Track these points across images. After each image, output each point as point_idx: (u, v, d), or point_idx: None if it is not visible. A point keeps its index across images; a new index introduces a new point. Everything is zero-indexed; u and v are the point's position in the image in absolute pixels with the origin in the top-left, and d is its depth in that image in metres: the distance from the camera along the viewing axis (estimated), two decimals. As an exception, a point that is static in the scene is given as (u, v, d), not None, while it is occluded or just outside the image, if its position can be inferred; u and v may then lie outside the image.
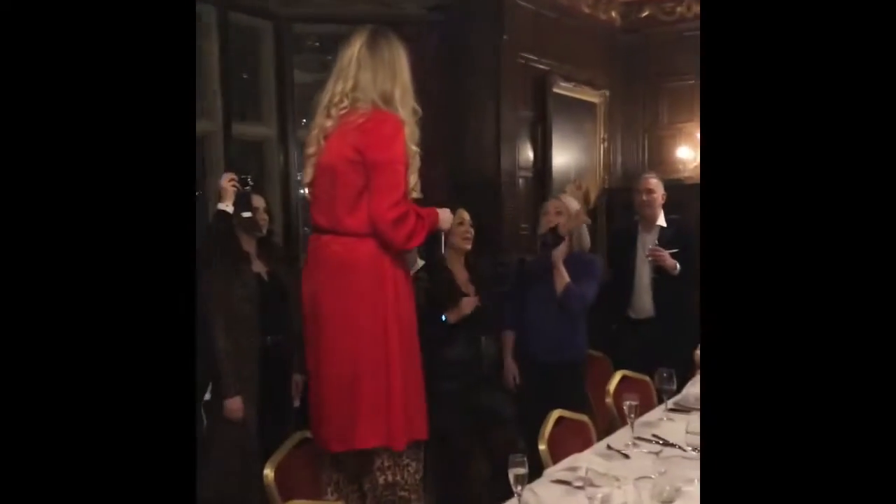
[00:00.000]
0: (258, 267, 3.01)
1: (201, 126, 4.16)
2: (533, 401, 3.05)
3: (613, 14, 5.55)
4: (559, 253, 3.30)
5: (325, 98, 2.25)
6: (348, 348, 2.17)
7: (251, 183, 2.85)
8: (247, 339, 2.90)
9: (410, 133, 2.22)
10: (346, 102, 2.20)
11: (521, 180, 4.81)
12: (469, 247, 3.28)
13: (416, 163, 2.25)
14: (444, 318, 3.12)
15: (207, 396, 2.84)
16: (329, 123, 2.22)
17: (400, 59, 2.24)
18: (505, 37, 4.55)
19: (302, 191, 2.35)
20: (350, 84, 2.20)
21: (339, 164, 2.18)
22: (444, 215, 2.37)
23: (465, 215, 3.30)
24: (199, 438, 2.75)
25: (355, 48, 2.23)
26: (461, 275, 3.27)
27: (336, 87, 2.23)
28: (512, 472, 1.93)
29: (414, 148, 2.24)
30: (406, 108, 2.22)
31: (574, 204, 3.50)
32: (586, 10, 5.26)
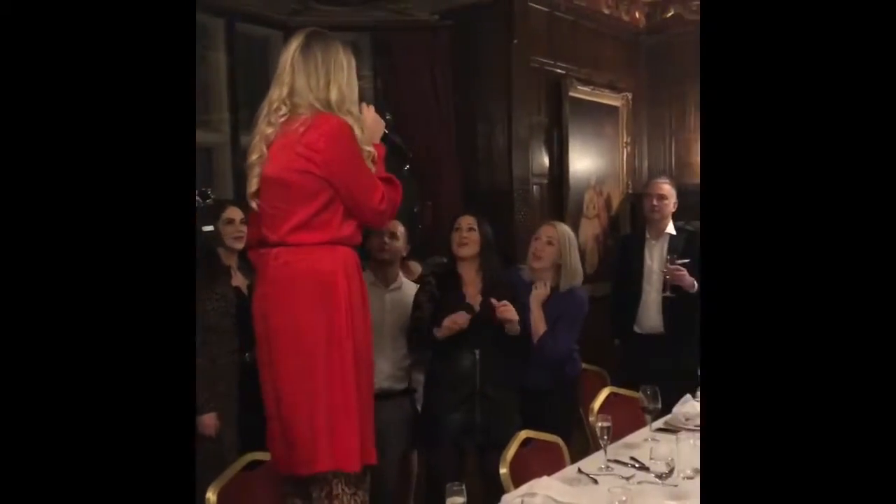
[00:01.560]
0: (238, 280, 2.98)
1: (210, 138, 4.19)
2: (526, 423, 2.89)
3: (637, 15, 5.39)
4: (537, 297, 3.11)
5: (265, 105, 2.20)
6: (299, 366, 2.11)
7: (211, 196, 2.82)
8: (224, 354, 2.87)
9: (360, 134, 2.17)
10: (284, 109, 2.15)
11: (535, 187, 4.70)
12: (463, 254, 3.09)
13: (367, 161, 2.20)
14: (434, 332, 3.01)
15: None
16: (270, 131, 2.17)
17: (336, 62, 2.17)
18: (515, 41, 4.45)
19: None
20: (286, 90, 2.15)
21: (291, 178, 2.13)
22: (372, 124, 2.28)
23: (465, 221, 3.10)
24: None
25: (290, 53, 2.18)
26: (473, 283, 3.14)
27: (273, 94, 2.18)
28: (449, 502, 1.85)
29: (368, 149, 2.19)
30: (347, 111, 2.16)
31: (569, 233, 3.27)
32: (606, 12, 5.12)
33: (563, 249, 3.17)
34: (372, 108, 2.30)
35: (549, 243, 3.18)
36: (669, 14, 5.42)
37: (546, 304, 3.09)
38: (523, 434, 2.39)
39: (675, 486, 2.10)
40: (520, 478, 2.24)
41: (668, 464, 2.12)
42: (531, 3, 4.56)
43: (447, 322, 2.89)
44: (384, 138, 2.31)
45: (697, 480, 2.12)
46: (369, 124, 2.26)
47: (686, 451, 2.23)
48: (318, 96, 2.14)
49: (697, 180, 5.15)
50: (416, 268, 3.69)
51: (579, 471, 2.34)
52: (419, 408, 3.27)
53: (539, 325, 3.05)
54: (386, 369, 3.13)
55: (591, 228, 5.05)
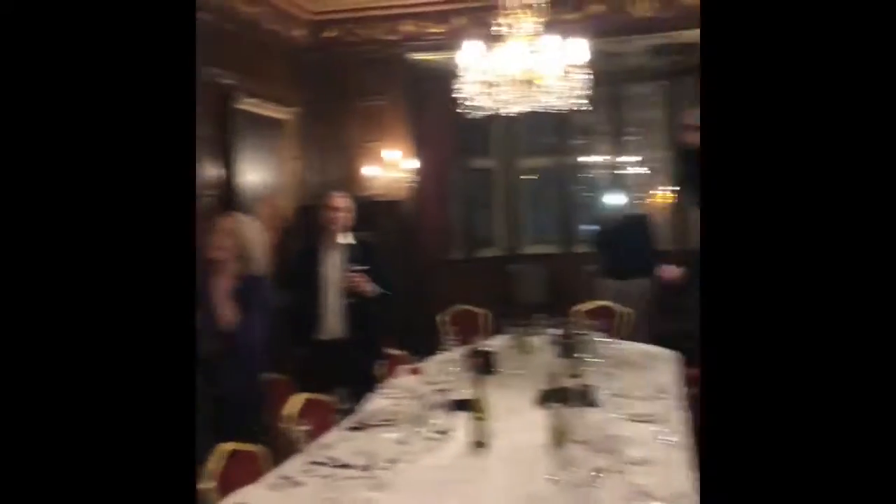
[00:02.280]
0: None
1: None
2: (226, 436, 2.77)
3: (297, 32, 5.54)
4: (222, 287, 3.04)
5: None
6: None
7: None
8: None
9: None
10: None
11: (206, 199, 4.61)
12: None
13: None
14: None
15: None
16: None
17: None
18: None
19: None
20: None
21: None
22: None
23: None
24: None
25: None
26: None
27: None
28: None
29: None
30: None
31: (249, 223, 3.29)
32: (269, 27, 5.20)
33: (243, 239, 3.14)
34: None
35: (228, 234, 3.14)
36: (330, 34, 5.66)
37: (235, 294, 3.05)
38: (228, 447, 2.36)
39: (374, 478, 2.24)
40: (222, 491, 2.23)
41: (367, 458, 2.26)
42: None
43: None
44: None
45: (392, 471, 2.29)
46: None
47: (378, 444, 2.40)
48: None
49: (366, 193, 5.48)
50: None
51: (282, 477, 2.38)
52: None
53: (229, 315, 3.00)
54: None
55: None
